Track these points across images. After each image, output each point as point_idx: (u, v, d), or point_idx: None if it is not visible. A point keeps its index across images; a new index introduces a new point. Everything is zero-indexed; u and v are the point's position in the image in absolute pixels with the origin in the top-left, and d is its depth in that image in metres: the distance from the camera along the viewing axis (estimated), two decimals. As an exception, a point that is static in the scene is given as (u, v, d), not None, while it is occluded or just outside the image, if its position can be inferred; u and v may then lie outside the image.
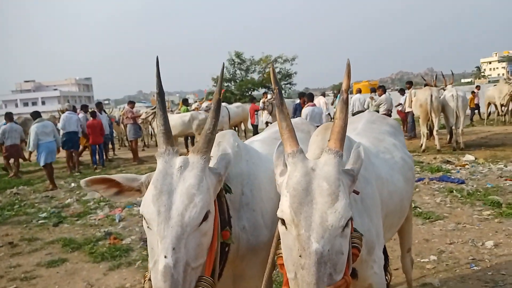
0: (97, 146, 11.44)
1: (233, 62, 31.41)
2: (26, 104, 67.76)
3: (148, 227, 1.36)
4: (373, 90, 12.67)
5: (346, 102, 1.53)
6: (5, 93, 76.73)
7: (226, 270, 1.68)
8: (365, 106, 11.78)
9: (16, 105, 67.96)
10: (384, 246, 2.36)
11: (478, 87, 17.52)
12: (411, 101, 12.05)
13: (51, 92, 72.88)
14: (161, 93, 1.61)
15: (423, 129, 10.55)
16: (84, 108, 12.68)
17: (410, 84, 13.14)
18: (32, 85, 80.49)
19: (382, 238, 2.07)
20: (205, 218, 1.36)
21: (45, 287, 4.15)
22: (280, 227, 1.38)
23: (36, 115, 9.43)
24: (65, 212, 7.04)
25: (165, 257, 1.25)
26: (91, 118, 11.45)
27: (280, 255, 1.50)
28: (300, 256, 1.27)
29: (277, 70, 31.81)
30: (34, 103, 66.11)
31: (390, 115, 11.09)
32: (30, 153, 8.53)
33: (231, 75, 31.73)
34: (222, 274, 1.65)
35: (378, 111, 10.90)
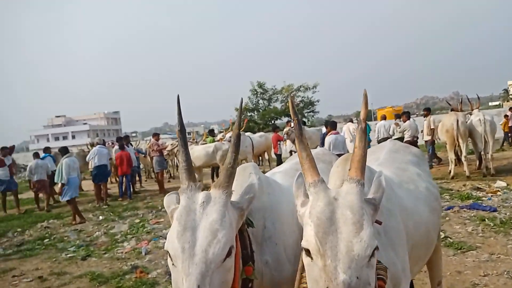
0: (123, 177, 11.76)
1: (255, 92, 31.79)
2: (57, 139, 70.35)
3: (173, 264, 1.37)
4: (397, 116, 12.53)
5: (364, 131, 1.56)
6: (37, 128, 79.97)
7: None
8: (390, 133, 11.65)
9: (48, 140, 70.59)
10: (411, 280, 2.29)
11: (511, 109, 16.70)
12: (430, 128, 11.74)
13: (81, 126, 75.52)
14: (182, 130, 1.66)
15: (450, 156, 10.27)
16: (119, 140, 12.99)
17: (428, 111, 12.74)
18: (63, 119, 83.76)
19: (409, 271, 2.01)
20: (229, 253, 1.36)
21: (73, 322, 4.18)
22: (305, 258, 1.37)
23: (65, 150, 9.87)
24: (93, 245, 7.16)
25: None
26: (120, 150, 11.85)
27: (304, 286, 1.49)
28: (327, 287, 1.25)
29: (299, 98, 31.96)
30: (64, 137, 68.61)
31: (416, 142, 10.92)
32: (62, 185, 8.85)
33: (254, 105, 32.06)
34: None
35: (403, 138, 10.76)
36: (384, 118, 12.61)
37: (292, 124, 14.57)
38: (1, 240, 8.35)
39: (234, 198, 1.60)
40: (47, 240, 7.90)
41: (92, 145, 13.15)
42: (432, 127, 11.80)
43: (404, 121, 11.19)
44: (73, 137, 69.26)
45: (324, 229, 1.31)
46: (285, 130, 11.59)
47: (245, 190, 1.63)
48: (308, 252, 1.35)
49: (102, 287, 5.05)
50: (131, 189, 12.31)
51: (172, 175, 16.60)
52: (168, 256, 1.38)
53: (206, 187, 1.59)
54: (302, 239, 1.56)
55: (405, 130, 10.95)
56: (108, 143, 17.64)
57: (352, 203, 1.37)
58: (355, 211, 1.35)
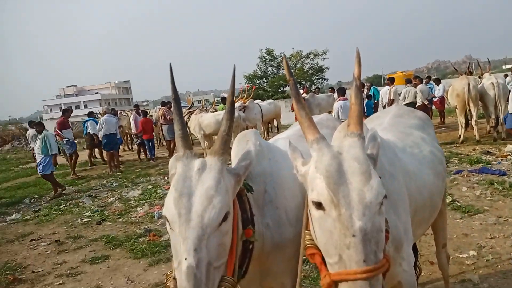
0: (149, 142, 12.90)
1: (264, 59, 31.34)
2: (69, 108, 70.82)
3: (171, 228, 1.41)
4: (408, 81, 12.31)
5: (359, 88, 1.59)
6: (49, 98, 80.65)
7: (252, 267, 1.71)
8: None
9: (61, 109, 71.16)
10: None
11: None
12: (391, 99, 11.28)
13: (92, 96, 75.94)
14: (176, 98, 1.67)
15: (460, 120, 10.13)
16: (136, 107, 14.14)
17: (391, 81, 12.39)
18: (74, 89, 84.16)
19: (411, 234, 2.04)
20: (225, 218, 1.39)
21: (89, 283, 4.38)
22: (316, 212, 1.38)
23: (39, 125, 10.16)
24: (108, 210, 7.39)
25: (187, 258, 1.29)
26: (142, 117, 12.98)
27: (309, 245, 1.52)
28: (344, 236, 1.28)
29: (308, 65, 31.44)
30: (77, 107, 69.11)
31: (428, 106, 10.75)
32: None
33: (263, 72, 31.67)
34: (248, 271, 1.70)
35: (415, 103, 10.59)
36: (392, 81, 12.35)
37: (301, 91, 14.50)
38: (19, 206, 8.67)
39: (233, 164, 1.62)
40: (63, 205, 8.17)
41: (102, 114, 13.37)
42: (392, 97, 11.38)
43: (417, 85, 11.00)
44: (85, 106, 69.72)
45: (334, 180, 1.33)
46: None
47: (242, 156, 1.65)
48: (318, 206, 1.36)
49: (117, 250, 5.24)
50: (154, 151, 13.35)
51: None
52: (167, 221, 1.42)
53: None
54: (305, 200, 1.59)
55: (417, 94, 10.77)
56: (121, 112, 17.81)
57: (357, 155, 1.39)
58: (362, 162, 1.37)
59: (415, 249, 2.50)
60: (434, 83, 13.81)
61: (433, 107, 13.47)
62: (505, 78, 12.92)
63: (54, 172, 9.52)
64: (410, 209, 2.08)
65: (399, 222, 1.90)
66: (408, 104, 10.46)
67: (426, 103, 11.14)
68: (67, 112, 12.39)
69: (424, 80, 13.39)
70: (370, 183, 1.33)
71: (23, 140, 11.76)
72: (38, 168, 9.34)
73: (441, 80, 15.17)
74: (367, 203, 1.30)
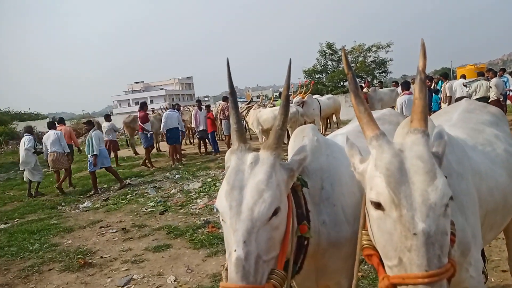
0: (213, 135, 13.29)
1: (324, 53, 30.78)
2: (137, 103, 74.55)
3: (222, 220, 1.44)
4: (480, 74, 11.44)
5: (424, 82, 1.51)
6: (119, 93, 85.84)
7: (307, 264, 1.70)
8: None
9: (129, 104, 75.56)
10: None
11: None
12: (447, 95, 10.46)
13: (157, 92, 79.47)
14: (233, 93, 1.68)
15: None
16: (198, 103, 14.29)
17: (445, 76, 11.60)
18: (141, 85, 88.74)
19: (480, 239, 1.90)
20: (275, 213, 1.39)
21: (151, 270, 4.60)
22: (375, 212, 1.34)
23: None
24: (170, 201, 7.72)
25: (236, 250, 1.31)
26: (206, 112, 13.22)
27: (366, 245, 1.48)
28: (405, 238, 1.23)
29: (371, 58, 30.37)
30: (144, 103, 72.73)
31: (502, 103, 9.94)
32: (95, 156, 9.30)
33: (322, 67, 31.14)
34: (303, 267, 1.68)
35: (488, 98, 9.84)
36: (463, 77, 11.59)
37: (364, 86, 14.06)
38: (90, 195, 9.34)
39: (289, 159, 1.60)
40: (130, 195, 8.68)
41: (166, 109, 13.98)
42: (449, 94, 10.49)
43: (491, 78, 10.20)
44: (151, 101, 73.25)
45: (396, 179, 1.27)
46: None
47: (297, 151, 1.63)
48: (377, 206, 1.32)
49: (178, 240, 5.45)
50: (217, 144, 13.59)
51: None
52: (219, 213, 1.45)
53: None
54: (362, 198, 1.54)
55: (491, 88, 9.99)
56: (185, 108, 18.48)
57: (421, 153, 1.32)
58: (426, 160, 1.30)
59: (483, 254, 2.33)
60: (509, 76, 12.75)
61: (508, 102, 12.44)
62: None
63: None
64: (480, 212, 1.94)
65: (467, 225, 1.78)
66: (479, 99, 9.73)
67: (501, 99, 10.29)
68: (145, 105, 12.78)
69: (498, 73, 12.39)
70: (435, 183, 1.26)
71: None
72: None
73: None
74: (431, 204, 1.24)
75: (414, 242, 1.21)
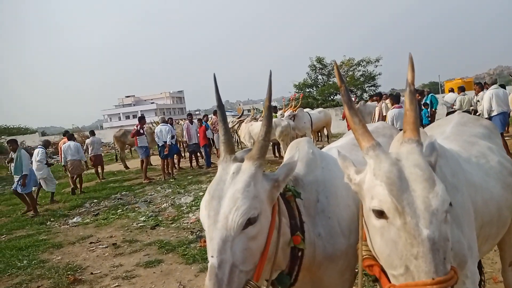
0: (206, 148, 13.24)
1: (314, 68, 31.13)
2: (127, 117, 74.67)
3: (204, 230, 1.44)
4: (461, 89, 11.58)
5: (413, 94, 1.54)
6: (109, 108, 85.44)
7: (303, 276, 1.69)
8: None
9: (119, 118, 75.25)
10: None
11: None
12: (382, 115, 10.08)
13: (148, 105, 79.34)
14: (220, 106, 1.69)
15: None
16: (189, 116, 14.46)
17: (379, 96, 11.63)
18: (132, 99, 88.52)
19: (476, 251, 1.90)
20: (252, 222, 1.37)
21: (143, 286, 4.51)
22: (377, 221, 1.33)
23: (14, 142, 9.75)
24: (161, 216, 7.62)
25: (211, 257, 1.31)
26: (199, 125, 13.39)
27: (366, 256, 1.47)
28: (411, 245, 1.23)
29: (360, 72, 30.79)
30: (134, 116, 72.48)
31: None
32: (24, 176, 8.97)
33: (313, 81, 31.44)
34: (298, 279, 1.67)
35: (475, 111, 10.00)
36: (451, 91, 11.81)
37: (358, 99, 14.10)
38: (80, 210, 9.20)
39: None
40: (120, 210, 8.56)
41: (157, 124, 13.97)
42: (384, 114, 10.05)
43: (478, 93, 10.37)
44: (142, 115, 72.93)
45: (397, 187, 1.28)
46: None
47: (285, 163, 1.63)
48: (379, 214, 1.31)
49: (169, 255, 5.37)
50: (210, 158, 13.53)
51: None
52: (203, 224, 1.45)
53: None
54: (358, 212, 1.53)
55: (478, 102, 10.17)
56: (176, 121, 18.44)
57: (417, 162, 1.34)
58: (424, 168, 1.32)
59: (479, 266, 2.32)
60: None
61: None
62: None
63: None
64: (476, 224, 1.94)
65: (463, 237, 1.78)
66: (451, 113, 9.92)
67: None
68: (143, 119, 12.71)
69: (483, 86, 12.56)
70: (435, 190, 1.27)
71: (84, 147, 12.77)
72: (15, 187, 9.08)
73: (506, 87, 14.20)
74: (434, 210, 1.25)
75: (420, 249, 1.21)
